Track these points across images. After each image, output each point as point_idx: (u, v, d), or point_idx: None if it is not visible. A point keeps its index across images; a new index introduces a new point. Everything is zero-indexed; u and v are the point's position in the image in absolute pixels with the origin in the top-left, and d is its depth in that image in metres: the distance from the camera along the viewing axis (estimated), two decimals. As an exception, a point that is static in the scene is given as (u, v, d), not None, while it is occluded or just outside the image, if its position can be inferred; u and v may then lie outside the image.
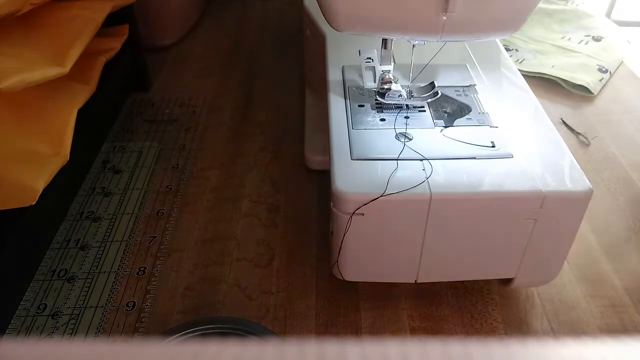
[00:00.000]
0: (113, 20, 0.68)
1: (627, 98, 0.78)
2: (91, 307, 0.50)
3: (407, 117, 0.49)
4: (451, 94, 0.52)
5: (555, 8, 0.98)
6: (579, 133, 0.71)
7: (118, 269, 0.54)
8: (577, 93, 0.79)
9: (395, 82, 0.50)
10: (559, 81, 0.80)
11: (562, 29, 0.93)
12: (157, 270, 0.54)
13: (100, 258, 0.55)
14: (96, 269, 0.54)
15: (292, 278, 0.53)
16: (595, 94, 0.78)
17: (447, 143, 0.46)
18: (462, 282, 0.52)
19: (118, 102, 0.78)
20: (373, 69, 0.52)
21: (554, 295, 0.51)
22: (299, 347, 0.13)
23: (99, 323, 0.49)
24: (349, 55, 0.56)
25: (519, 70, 0.57)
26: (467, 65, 0.56)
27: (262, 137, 0.72)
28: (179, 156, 0.69)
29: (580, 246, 0.55)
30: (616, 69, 0.84)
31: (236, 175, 0.66)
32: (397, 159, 0.44)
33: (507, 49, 0.87)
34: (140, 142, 0.71)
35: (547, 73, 0.81)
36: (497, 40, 0.61)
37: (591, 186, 0.41)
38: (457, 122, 0.48)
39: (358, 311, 0.50)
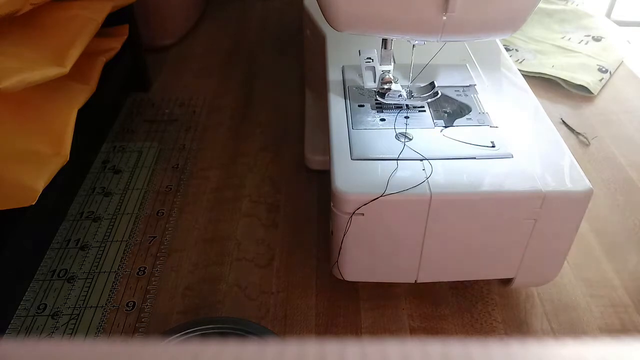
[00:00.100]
0: (113, 20, 0.68)
1: (627, 98, 0.78)
2: (91, 307, 0.50)
3: (407, 117, 0.49)
4: (451, 94, 0.52)
5: (555, 8, 0.98)
6: (579, 133, 0.71)
7: (118, 269, 0.54)
8: (577, 93, 0.79)
9: (395, 82, 0.50)
10: (559, 81, 0.80)
11: (562, 29, 0.93)
12: (157, 270, 0.54)
13: (100, 258, 0.55)
14: (96, 269, 0.54)
15: (292, 278, 0.53)
16: (595, 94, 0.78)
17: (447, 143, 0.46)
18: (462, 282, 0.52)
19: (118, 102, 0.78)
20: (373, 69, 0.52)
21: (554, 295, 0.51)
22: (299, 347, 0.13)
23: (99, 323, 0.49)
24: (349, 55, 0.56)
25: (519, 70, 0.57)
26: (467, 65, 0.56)
27: (262, 137, 0.72)
28: (179, 156, 0.69)
29: (580, 246, 0.55)
30: (616, 69, 0.84)
31: (236, 175, 0.66)
32: (397, 159, 0.44)
33: (507, 49, 0.87)
34: (140, 142, 0.71)
35: (547, 73, 0.81)
36: (497, 40, 0.61)
37: (591, 186, 0.41)
38: (457, 122, 0.48)
39: (358, 311, 0.50)
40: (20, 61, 0.49)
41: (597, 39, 0.90)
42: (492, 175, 0.43)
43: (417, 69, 0.52)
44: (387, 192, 0.40)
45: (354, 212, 0.41)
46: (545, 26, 0.94)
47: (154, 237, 0.57)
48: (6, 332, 0.48)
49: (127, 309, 0.50)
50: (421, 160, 0.44)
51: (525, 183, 0.41)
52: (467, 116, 0.49)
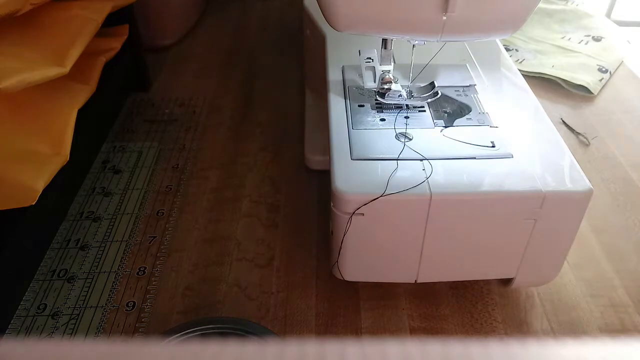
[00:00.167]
0: (113, 20, 0.68)
1: (627, 98, 0.78)
2: (91, 307, 0.50)
3: (407, 117, 0.49)
4: (451, 94, 0.52)
5: (555, 8, 0.98)
6: (579, 133, 0.71)
7: (118, 269, 0.54)
8: (577, 93, 0.79)
9: (395, 82, 0.50)
10: (559, 81, 0.80)
11: (562, 29, 0.93)
12: (157, 270, 0.54)
13: (100, 258, 0.55)
14: (96, 269, 0.54)
15: (292, 278, 0.53)
16: (595, 94, 0.78)
17: (447, 143, 0.46)
18: (462, 282, 0.52)
19: (118, 102, 0.78)
20: (373, 69, 0.52)
21: (554, 295, 0.51)
22: (299, 347, 0.13)
23: (99, 323, 0.49)
24: (349, 55, 0.56)
25: (519, 70, 0.57)
26: (467, 65, 0.56)
27: (262, 137, 0.72)
28: (179, 156, 0.69)
29: (580, 246, 0.55)
30: (616, 69, 0.84)
31: (236, 175, 0.66)
32: (397, 159, 0.44)
33: (507, 49, 0.87)
34: (140, 142, 0.71)
35: (547, 73, 0.81)
36: (497, 40, 0.61)
37: (591, 186, 0.41)
38: (457, 122, 0.48)
39: (358, 311, 0.50)
40: (20, 61, 0.49)
41: (597, 39, 0.90)
42: (492, 175, 0.43)
43: (417, 69, 0.52)
44: (387, 192, 0.40)
45: (354, 212, 0.41)
46: (545, 26, 0.94)
47: (154, 237, 0.57)
48: (6, 332, 0.48)
49: (127, 309, 0.50)
50: (421, 160, 0.44)
51: (525, 183, 0.41)
52: (467, 116, 0.49)
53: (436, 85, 0.50)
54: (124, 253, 0.55)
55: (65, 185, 0.59)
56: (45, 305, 0.50)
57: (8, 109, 0.51)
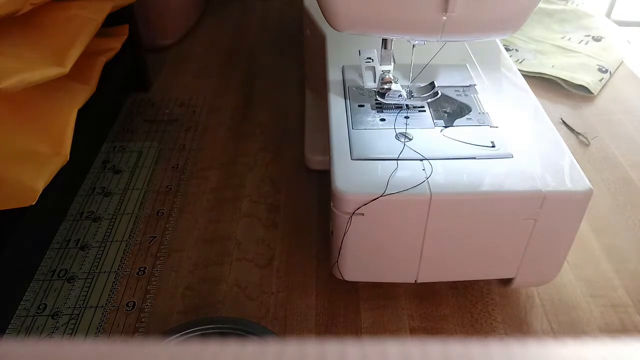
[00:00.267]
0: (113, 20, 0.68)
1: (627, 98, 0.78)
2: (91, 307, 0.50)
3: (407, 117, 0.49)
4: (451, 94, 0.52)
5: (555, 8, 0.98)
6: (579, 133, 0.71)
7: (118, 269, 0.54)
8: (577, 93, 0.79)
9: (395, 82, 0.50)
10: (559, 81, 0.80)
11: (562, 29, 0.93)
12: (157, 270, 0.54)
13: (100, 258, 0.55)
14: (96, 269, 0.54)
15: (292, 278, 0.53)
16: (595, 94, 0.78)
17: (447, 143, 0.46)
18: (462, 282, 0.52)
19: (118, 102, 0.78)
20: (373, 69, 0.52)
21: (554, 295, 0.51)
22: (299, 347, 0.13)
23: (99, 323, 0.49)
24: (349, 55, 0.56)
25: (519, 70, 0.57)
26: (467, 65, 0.56)
27: (262, 137, 0.72)
28: (179, 156, 0.69)
29: (580, 246, 0.55)
30: (616, 69, 0.84)
31: (236, 175, 0.66)
32: (397, 159, 0.44)
33: (507, 49, 0.87)
34: (140, 142, 0.71)
35: (547, 73, 0.81)
36: (497, 40, 0.61)
37: (591, 186, 0.41)
38: (457, 122, 0.48)
39: (358, 311, 0.50)
40: (20, 61, 0.49)
41: (597, 39, 0.90)
42: (492, 175, 0.43)
43: (417, 69, 0.52)
44: (387, 192, 0.40)
45: (354, 212, 0.41)
46: (545, 26, 0.94)
47: (154, 237, 0.57)
48: (6, 332, 0.48)
49: (127, 309, 0.50)
50: (421, 160, 0.44)
51: (525, 183, 0.41)
52: (467, 116, 0.49)
53: (436, 85, 0.50)
54: (124, 253, 0.55)
55: (65, 185, 0.59)
56: (45, 305, 0.50)
57: (8, 109, 0.51)
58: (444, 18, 0.39)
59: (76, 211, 0.60)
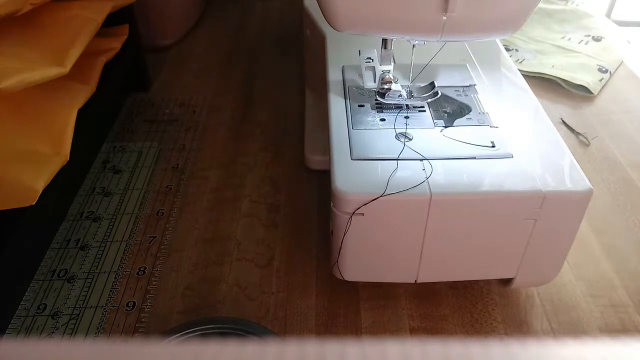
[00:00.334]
0: (113, 20, 0.68)
1: (627, 98, 0.78)
2: (91, 307, 0.50)
3: (407, 117, 0.49)
4: (451, 94, 0.52)
5: (555, 8, 0.98)
6: (579, 133, 0.71)
7: (118, 269, 0.54)
8: (577, 93, 0.79)
9: (395, 82, 0.50)
10: (559, 81, 0.80)
11: (562, 29, 0.93)
12: (157, 270, 0.54)
13: (100, 258, 0.55)
14: (96, 269, 0.54)
15: (292, 278, 0.53)
16: (595, 94, 0.78)
17: (447, 143, 0.46)
18: (462, 282, 0.52)
19: (118, 102, 0.78)
20: (373, 69, 0.52)
21: (554, 295, 0.51)
22: (299, 347, 0.13)
23: (99, 323, 0.49)
24: (349, 55, 0.56)
25: (519, 70, 0.57)
26: (467, 65, 0.56)
27: (262, 137, 0.72)
28: (179, 156, 0.69)
29: (580, 246, 0.55)
30: (616, 69, 0.84)
31: (236, 175, 0.66)
32: (397, 159, 0.44)
33: (507, 49, 0.87)
34: (140, 142, 0.71)
35: (547, 73, 0.81)
36: (497, 40, 0.61)
37: (591, 186, 0.41)
38: (457, 122, 0.48)
39: (358, 311, 0.50)
40: (20, 61, 0.49)
41: (597, 39, 0.90)
42: (492, 175, 0.43)
43: (417, 69, 0.52)
44: (387, 192, 0.40)
45: (354, 212, 0.41)
46: (545, 26, 0.94)
47: (154, 237, 0.57)
48: (6, 332, 0.48)
49: (127, 309, 0.50)
50: (421, 160, 0.44)
51: (525, 183, 0.41)
52: (467, 116, 0.49)
53: (436, 85, 0.50)
54: (124, 253, 0.55)
55: (65, 185, 0.59)
56: (45, 305, 0.50)
57: (8, 109, 0.51)
58: (444, 18, 0.39)
59: (76, 211, 0.60)
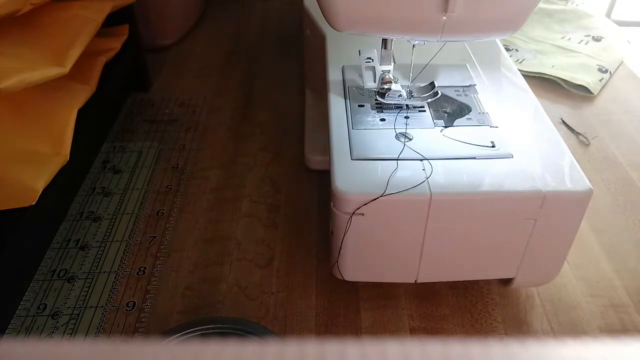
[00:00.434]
0: (113, 20, 0.68)
1: (627, 98, 0.78)
2: (91, 307, 0.50)
3: (407, 117, 0.49)
4: (451, 94, 0.52)
5: (555, 8, 0.98)
6: (579, 133, 0.71)
7: (118, 269, 0.54)
8: (577, 93, 0.79)
9: (395, 82, 0.50)
10: (559, 81, 0.80)
11: (562, 29, 0.93)
12: (157, 270, 0.54)
13: (100, 258, 0.55)
14: (96, 269, 0.54)
15: (292, 278, 0.53)
16: (595, 94, 0.78)
17: (447, 143, 0.46)
18: (462, 282, 0.52)
19: (118, 102, 0.78)
20: (373, 69, 0.52)
21: (554, 295, 0.51)
22: (299, 347, 0.13)
23: (99, 323, 0.49)
24: (349, 55, 0.56)
25: (519, 70, 0.57)
26: (467, 65, 0.56)
27: (262, 137, 0.72)
28: (179, 156, 0.69)
29: (580, 246, 0.55)
30: (616, 69, 0.84)
31: (236, 175, 0.66)
32: (397, 159, 0.44)
33: (507, 49, 0.87)
34: (140, 142, 0.71)
35: (547, 73, 0.81)
36: (497, 40, 0.61)
37: (591, 186, 0.41)
38: (457, 122, 0.48)
39: (358, 311, 0.50)
40: (20, 61, 0.49)
41: (597, 39, 0.90)
42: (492, 175, 0.43)
43: (417, 69, 0.52)
44: (387, 192, 0.40)
45: (354, 212, 0.41)
46: (545, 26, 0.94)
47: (154, 237, 0.57)
48: (6, 332, 0.48)
49: (127, 309, 0.50)
50: (421, 160, 0.44)
51: (525, 183, 0.41)
52: (467, 116, 0.49)
53: (436, 85, 0.50)
54: (124, 253, 0.55)
55: (65, 185, 0.59)
56: (45, 305, 0.50)
57: (8, 109, 0.51)
58: (444, 18, 0.39)
59: (76, 211, 0.60)
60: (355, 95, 0.51)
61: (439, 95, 0.49)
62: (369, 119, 0.49)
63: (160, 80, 0.84)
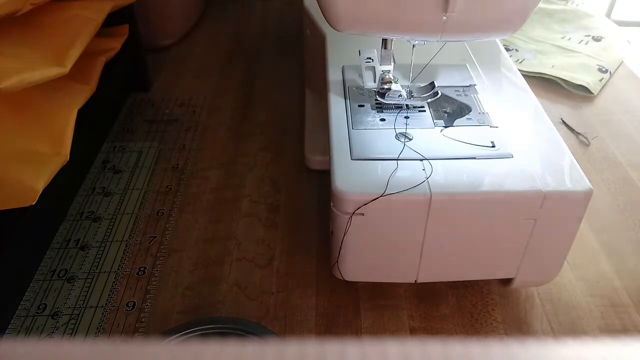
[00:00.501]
0: (113, 20, 0.68)
1: (627, 98, 0.78)
2: (91, 307, 0.50)
3: (407, 117, 0.49)
4: (451, 94, 0.52)
5: (555, 8, 0.98)
6: (579, 133, 0.71)
7: (118, 269, 0.54)
8: (577, 93, 0.79)
9: (395, 82, 0.50)
10: (559, 81, 0.80)
11: (562, 29, 0.93)
12: (157, 270, 0.54)
13: (100, 258, 0.55)
14: (96, 269, 0.54)
15: (292, 278, 0.53)
16: (595, 94, 0.78)
17: (447, 143, 0.46)
18: (462, 282, 0.52)
19: (118, 102, 0.78)
20: (373, 69, 0.52)
21: (554, 295, 0.51)
22: (299, 347, 0.13)
23: (99, 323, 0.49)
24: (349, 55, 0.56)
25: (519, 70, 0.57)
26: (467, 65, 0.56)
27: (262, 137, 0.72)
28: (179, 156, 0.69)
29: (580, 246, 0.55)
30: (616, 69, 0.84)
31: (236, 175, 0.66)
32: (397, 159, 0.44)
33: (507, 49, 0.87)
34: (140, 142, 0.71)
35: (547, 73, 0.81)
36: (497, 40, 0.61)
37: (591, 186, 0.41)
38: (457, 122, 0.48)
39: (358, 311, 0.50)
40: (20, 61, 0.49)
41: (597, 39, 0.90)
42: (492, 175, 0.43)
43: (417, 69, 0.52)
44: (387, 192, 0.40)
45: (354, 212, 0.41)
46: (545, 26, 0.94)
47: (154, 237, 0.57)
48: (6, 332, 0.48)
49: (127, 309, 0.50)
50: (421, 160, 0.44)
51: (525, 183, 0.41)
52: (467, 116, 0.49)
53: (436, 85, 0.50)
54: (124, 253, 0.55)
55: (65, 185, 0.59)
56: (45, 305, 0.50)
57: (8, 109, 0.51)
58: (444, 18, 0.39)
59: (76, 211, 0.60)
60: (355, 95, 0.51)
61: (439, 95, 0.49)
62: (369, 119, 0.49)
63: (160, 80, 0.84)
